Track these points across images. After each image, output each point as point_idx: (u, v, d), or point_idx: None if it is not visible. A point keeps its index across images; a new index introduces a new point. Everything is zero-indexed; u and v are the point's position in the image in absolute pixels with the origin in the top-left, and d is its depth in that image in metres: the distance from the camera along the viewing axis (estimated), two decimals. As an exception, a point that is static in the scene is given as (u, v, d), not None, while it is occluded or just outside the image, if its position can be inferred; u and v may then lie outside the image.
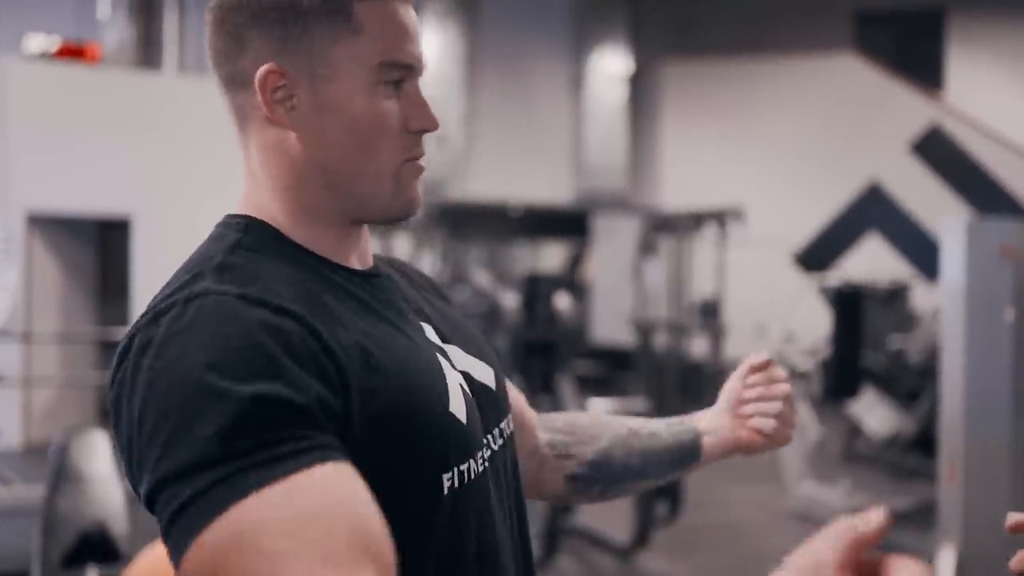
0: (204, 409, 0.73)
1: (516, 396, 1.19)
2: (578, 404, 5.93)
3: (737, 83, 11.98)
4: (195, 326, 0.78)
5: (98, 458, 3.56)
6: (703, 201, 10.71)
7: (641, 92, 12.75)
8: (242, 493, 0.71)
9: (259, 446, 0.72)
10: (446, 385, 0.91)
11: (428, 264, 9.93)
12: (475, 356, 1.01)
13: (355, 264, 0.95)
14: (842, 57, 11.86)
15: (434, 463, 0.85)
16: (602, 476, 1.22)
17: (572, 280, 12.38)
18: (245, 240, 0.89)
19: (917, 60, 12.60)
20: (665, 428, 1.27)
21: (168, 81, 8.60)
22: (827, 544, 0.65)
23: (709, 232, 10.46)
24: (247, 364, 0.75)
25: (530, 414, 1.21)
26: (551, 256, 13.56)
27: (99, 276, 8.61)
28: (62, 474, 3.46)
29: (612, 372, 11.09)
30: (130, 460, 0.78)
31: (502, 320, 6.65)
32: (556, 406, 5.66)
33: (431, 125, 0.93)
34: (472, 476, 0.90)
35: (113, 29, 8.65)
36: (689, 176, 11.91)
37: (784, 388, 1.26)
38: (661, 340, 10.60)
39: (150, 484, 0.75)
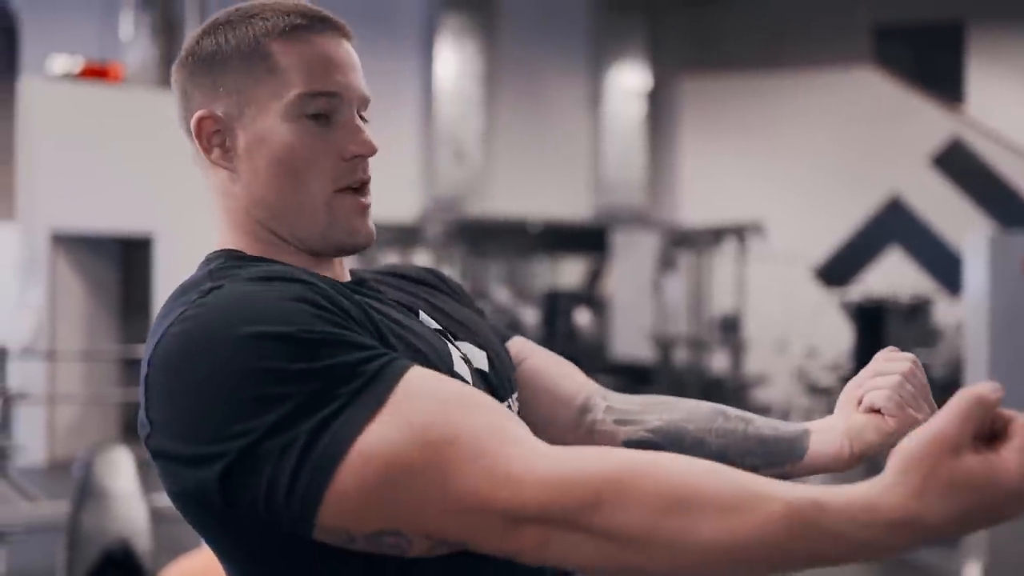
0: (284, 356, 0.76)
1: (544, 366, 1.15)
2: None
3: (756, 98, 11.98)
4: (225, 306, 0.81)
5: (122, 475, 3.59)
6: (722, 216, 10.69)
7: (659, 107, 12.76)
8: (377, 401, 0.75)
9: (358, 362, 0.77)
10: (448, 350, 0.95)
11: (448, 280, 9.94)
12: (468, 342, 1.03)
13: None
14: (861, 71, 11.83)
15: None
16: (666, 444, 1.05)
17: (592, 296, 12.37)
18: (228, 264, 0.93)
19: (937, 73, 12.56)
20: (763, 420, 1.07)
21: (190, 100, 8.69)
22: (949, 420, 0.65)
23: (729, 247, 10.44)
24: (295, 317, 0.79)
25: (568, 383, 1.13)
26: (570, 272, 13.55)
27: (122, 294, 8.68)
28: (86, 491, 3.48)
29: (632, 387, 11.05)
30: (187, 454, 0.78)
31: (523, 336, 6.68)
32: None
33: (365, 150, 0.95)
34: None
35: (135, 49, 8.75)
36: (708, 191, 11.90)
37: (902, 364, 0.98)
38: (681, 355, 10.56)
39: (246, 444, 0.75)
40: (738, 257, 10.22)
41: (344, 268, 1.01)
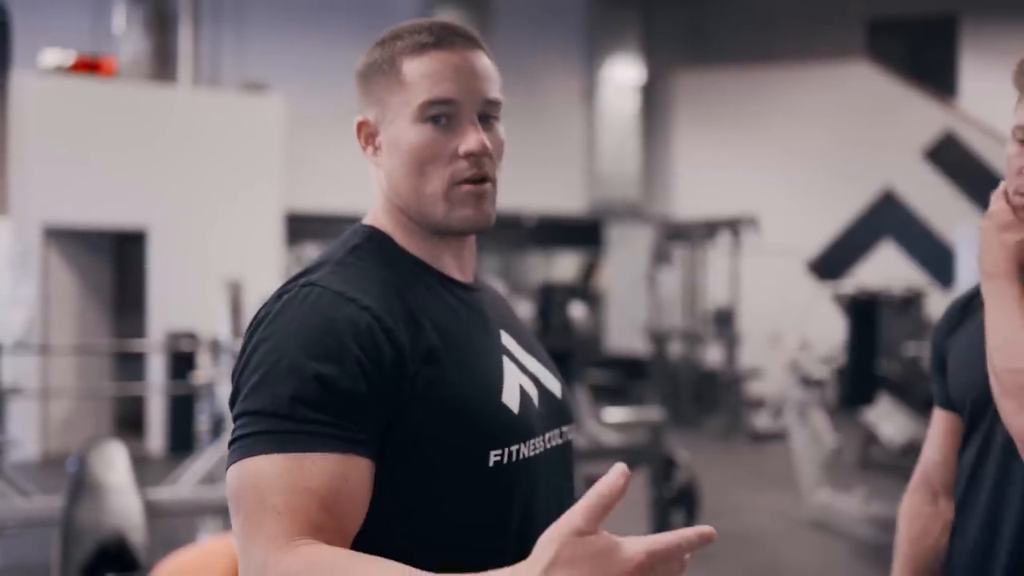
0: (284, 374, 0.99)
1: None
2: (593, 413, 5.93)
3: (750, 91, 11.98)
4: (298, 310, 1.03)
5: (116, 469, 3.58)
6: (716, 210, 10.70)
7: (654, 102, 12.76)
8: (279, 448, 0.97)
9: (305, 418, 0.97)
10: (502, 380, 1.11)
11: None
12: (547, 368, 1.23)
13: (455, 274, 1.16)
14: (855, 65, 11.84)
15: (481, 440, 1.05)
16: None
17: (586, 289, 12.38)
18: (364, 245, 1.13)
19: (930, 67, 12.58)
20: None
21: (183, 94, 8.65)
22: None
23: (723, 241, 10.45)
24: (322, 348, 1.00)
25: None
26: (565, 266, 13.56)
27: (115, 288, 8.66)
28: (81, 485, 3.48)
29: (627, 381, 11.07)
30: (234, 387, 1.04)
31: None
32: (571, 415, 5.66)
33: (473, 147, 1.10)
34: (520, 458, 1.08)
35: (128, 43, 8.71)
36: (702, 185, 11.91)
37: None
38: (675, 349, 10.57)
39: (238, 409, 1.02)
40: (732, 250, 10.24)
41: (472, 257, 1.20)
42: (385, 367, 1.01)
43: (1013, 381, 1.26)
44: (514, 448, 1.07)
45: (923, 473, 1.60)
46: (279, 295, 1.07)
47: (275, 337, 1.02)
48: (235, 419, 1.02)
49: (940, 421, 1.56)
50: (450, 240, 1.15)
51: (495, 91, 1.13)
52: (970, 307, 1.50)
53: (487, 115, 1.13)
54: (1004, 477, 1.37)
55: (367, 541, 0.98)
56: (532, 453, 1.10)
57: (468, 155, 1.10)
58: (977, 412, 1.42)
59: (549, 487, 1.13)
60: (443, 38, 1.11)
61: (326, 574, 0.90)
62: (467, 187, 1.11)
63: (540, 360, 1.22)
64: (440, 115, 1.10)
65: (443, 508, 1.03)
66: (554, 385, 1.21)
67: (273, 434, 0.97)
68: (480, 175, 1.11)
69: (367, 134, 1.15)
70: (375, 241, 1.14)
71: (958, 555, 1.43)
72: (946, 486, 1.55)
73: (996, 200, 1.40)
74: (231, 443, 1.01)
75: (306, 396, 0.97)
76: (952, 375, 1.49)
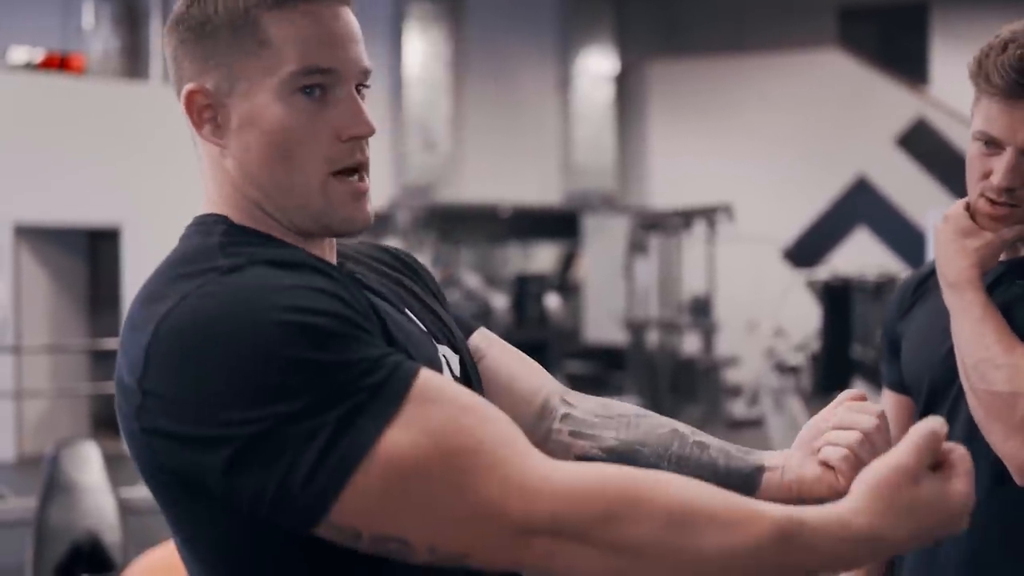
0: (312, 346, 0.75)
1: (503, 363, 1.11)
2: (570, 404, 5.93)
3: (723, 81, 12.01)
4: (253, 289, 0.79)
5: (90, 469, 3.57)
6: (692, 199, 10.73)
7: (628, 92, 12.78)
8: (393, 400, 0.76)
9: (379, 357, 0.77)
10: (438, 359, 0.95)
11: (418, 268, 9.95)
12: (447, 344, 1.02)
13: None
14: (827, 53, 11.89)
15: None
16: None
17: (563, 280, 12.40)
18: (231, 230, 0.90)
19: (901, 54, 12.66)
20: (719, 446, 1.05)
21: (154, 90, 8.60)
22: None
23: (699, 230, 10.49)
24: (325, 307, 0.78)
25: (526, 384, 1.09)
26: (542, 257, 13.57)
27: (90, 286, 8.60)
28: (54, 485, 3.47)
29: (605, 371, 11.11)
30: (192, 434, 0.76)
31: (493, 321, 6.68)
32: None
33: (361, 130, 0.90)
34: None
35: (97, 40, 8.65)
36: (677, 174, 11.93)
37: (867, 420, 0.97)
38: (653, 338, 10.61)
39: (261, 430, 0.74)
40: (708, 239, 10.27)
41: (333, 248, 0.97)
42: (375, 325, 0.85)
43: (994, 403, 1.23)
44: None
45: None
46: (177, 304, 0.80)
47: (247, 324, 0.76)
48: (264, 442, 0.74)
49: (891, 404, 1.55)
50: (314, 239, 0.93)
51: (367, 58, 0.92)
52: (923, 288, 1.48)
53: (360, 86, 0.92)
54: None
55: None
56: None
57: (353, 139, 0.90)
58: (934, 395, 1.39)
59: None
60: None
61: (647, 494, 0.75)
62: (346, 183, 0.90)
63: (436, 331, 1.02)
64: (315, 86, 0.88)
65: None
66: (454, 361, 1.02)
67: (375, 390, 0.76)
68: (361, 162, 0.91)
69: (202, 107, 0.90)
70: (239, 230, 0.90)
71: None
72: None
73: (954, 207, 1.38)
74: (305, 481, 0.74)
75: (354, 345, 0.78)
76: (907, 358, 1.47)
